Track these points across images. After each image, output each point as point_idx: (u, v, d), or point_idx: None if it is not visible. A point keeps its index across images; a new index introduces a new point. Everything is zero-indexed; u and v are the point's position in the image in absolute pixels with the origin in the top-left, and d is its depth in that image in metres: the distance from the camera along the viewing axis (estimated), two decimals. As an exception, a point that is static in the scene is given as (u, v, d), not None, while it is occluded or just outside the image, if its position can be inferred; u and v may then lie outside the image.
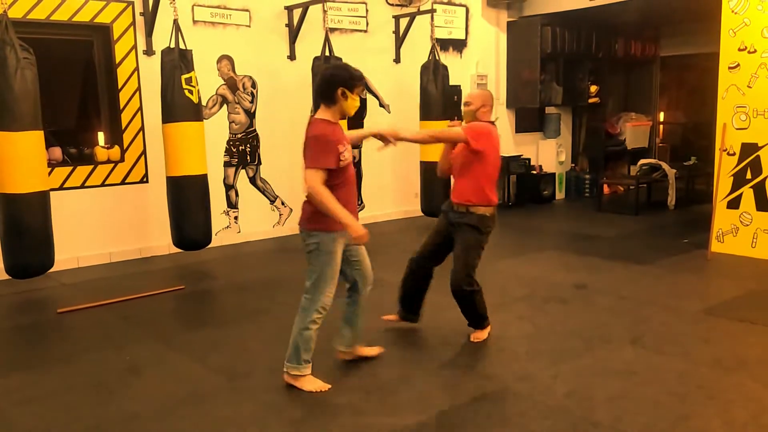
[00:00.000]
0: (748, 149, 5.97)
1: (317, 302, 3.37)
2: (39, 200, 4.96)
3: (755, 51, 5.86)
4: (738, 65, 5.98)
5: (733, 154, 6.06)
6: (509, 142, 9.51)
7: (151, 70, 6.11)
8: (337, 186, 3.25)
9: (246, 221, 7.20)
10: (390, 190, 8.36)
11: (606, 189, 9.60)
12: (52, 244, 5.11)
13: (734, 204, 6.10)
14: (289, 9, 7.15)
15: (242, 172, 7.14)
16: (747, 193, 6.01)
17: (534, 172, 9.52)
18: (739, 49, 5.95)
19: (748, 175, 5.99)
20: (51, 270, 5.25)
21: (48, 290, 5.46)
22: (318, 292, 3.36)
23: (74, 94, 6.77)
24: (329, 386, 3.42)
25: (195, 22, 6.57)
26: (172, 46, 5.58)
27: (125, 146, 6.31)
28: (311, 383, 3.42)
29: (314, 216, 3.30)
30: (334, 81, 3.36)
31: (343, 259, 3.42)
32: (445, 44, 8.53)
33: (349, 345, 3.72)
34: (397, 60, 8.18)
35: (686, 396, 3.27)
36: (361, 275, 3.57)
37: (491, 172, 3.94)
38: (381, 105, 8.16)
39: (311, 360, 3.44)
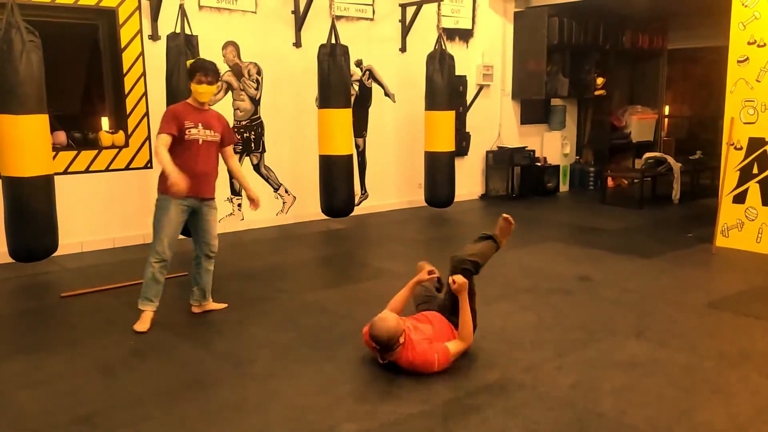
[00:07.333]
0: (756, 144, 5.94)
1: (152, 249, 4.17)
2: (43, 184, 4.95)
3: (765, 45, 5.81)
4: (747, 59, 5.93)
5: (740, 148, 6.03)
6: (514, 134, 9.48)
7: (157, 56, 6.08)
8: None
9: (249, 209, 7.16)
10: (393, 180, 8.34)
11: (610, 182, 9.57)
12: (56, 228, 5.10)
13: (740, 199, 6.07)
14: (296, -5, 7.11)
15: (246, 159, 7.12)
16: (753, 188, 5.99)
17: (538, 163, 9.49)
18: (749, 43, 5.91)
19: (755, 170, 5.96)
20: (55, 254, 5.25)
21: (52, 274, 5.46)
22: (153, 241, 4.18)
23: (79, 78, 6.75)
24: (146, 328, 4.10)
25: (201, 7, 6.53)
26: (178, 31, 5.55)
27: (130, 131, 6.29)
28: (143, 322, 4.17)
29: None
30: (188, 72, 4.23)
31: (191, 224, 4.28)
32: (451, 34, 8.48)
33: (197, 300, 4.46)
34: (403, 49, 8.13)
35: (691, 389, 3.27)
36: (203, 242, 4.33)
37: None
38: (386, 94, 8.14)
39: (153, 300, 4.18)
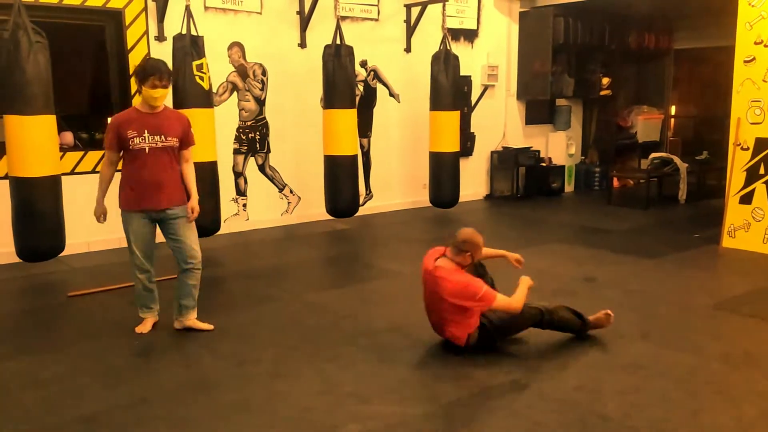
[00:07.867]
0: (762, 144, 5.91)
1: (131, 264, 4.08)
2: (51, 184, 4.97)
3: (771, 45, 5.79)
4: (754, 59, 5.91)
5: (747, 148, 6.01)
6: (519, 134, 9.47)
7: (163, 56, 6.00)
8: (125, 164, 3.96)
9: (254, 209, 7.20)
10: (398, 181, 8.34)
11: (616, 182, 9.54)
12: (63, 228, 5.12)
13: (747, 199, 6.05)
14: (301, -4, 7.12)
15: (251, 159, 7.14)
16: (760, 189, 5.96)
17: (543, 164, 9.48)
18: (755, 43, 5.88)
19: (762, 170, 5.93)
20: (62, 254, 5.27)
21: (58, 274, 5.49)
22: (130, 256, 4.07)
23: (86, 79, 6.78)
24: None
25: (207, 8, 6.55)
26: (184, 32, 5.57)
27: (135, 132, 6.30)
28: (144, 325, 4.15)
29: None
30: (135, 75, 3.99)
31: (164, 237, 4.04)
32: (456, 34, 8.48)
33: (176, 315, 4.13)
34: (408, 49, 8.13)
35: (696, 391, 3.26)
36: (178, 253, 4.04)
37: None
38: (391, 94, 8.14)
39: (152, 307, 4.15)
